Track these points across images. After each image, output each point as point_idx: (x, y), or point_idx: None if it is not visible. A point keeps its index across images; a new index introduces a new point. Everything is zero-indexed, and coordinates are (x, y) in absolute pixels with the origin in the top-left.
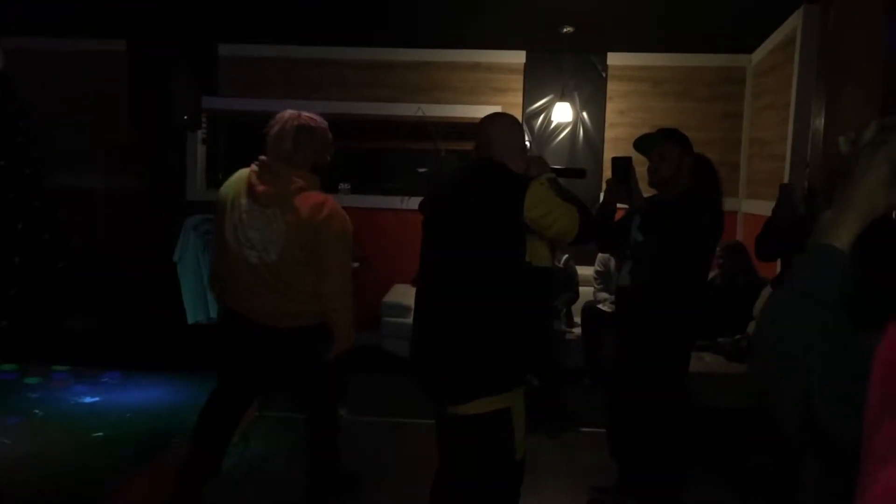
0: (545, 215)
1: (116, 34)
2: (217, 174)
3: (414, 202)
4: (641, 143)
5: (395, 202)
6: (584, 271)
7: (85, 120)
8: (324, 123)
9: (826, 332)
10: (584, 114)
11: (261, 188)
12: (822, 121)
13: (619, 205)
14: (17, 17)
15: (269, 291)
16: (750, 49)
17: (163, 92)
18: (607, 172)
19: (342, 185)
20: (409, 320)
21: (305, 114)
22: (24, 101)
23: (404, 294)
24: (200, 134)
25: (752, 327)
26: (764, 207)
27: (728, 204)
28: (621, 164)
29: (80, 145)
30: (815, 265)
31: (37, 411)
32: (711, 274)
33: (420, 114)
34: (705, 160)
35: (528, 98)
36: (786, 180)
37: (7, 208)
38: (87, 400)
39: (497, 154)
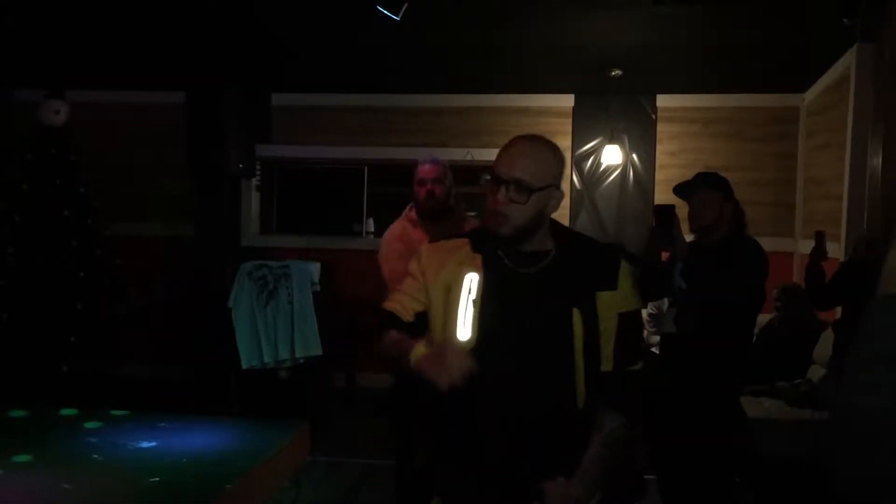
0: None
1: (175, 86)
2: (270, 221)
3: None
4: (681, 189)
5: None
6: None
7: (143, 169)
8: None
9: None
10: (634, 156)
11: None
12: (880, 160)
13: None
14: (81, 72)
15: None
16: (802, 88)
17: (218, 141)
18: None
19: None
20: None
21: None
22: (86, 152)
23: None
24: (254, 181)
25: (812, 372)
26: None
27: (784, 245)
28: (664, 212)
29: (138, 194)
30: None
31: (96, 456)
32: (769, 317)
33: (469, 158)
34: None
35: (578, 141)
36: (843, 220)
37: (69, 256)
38: (145, 445)
39: None
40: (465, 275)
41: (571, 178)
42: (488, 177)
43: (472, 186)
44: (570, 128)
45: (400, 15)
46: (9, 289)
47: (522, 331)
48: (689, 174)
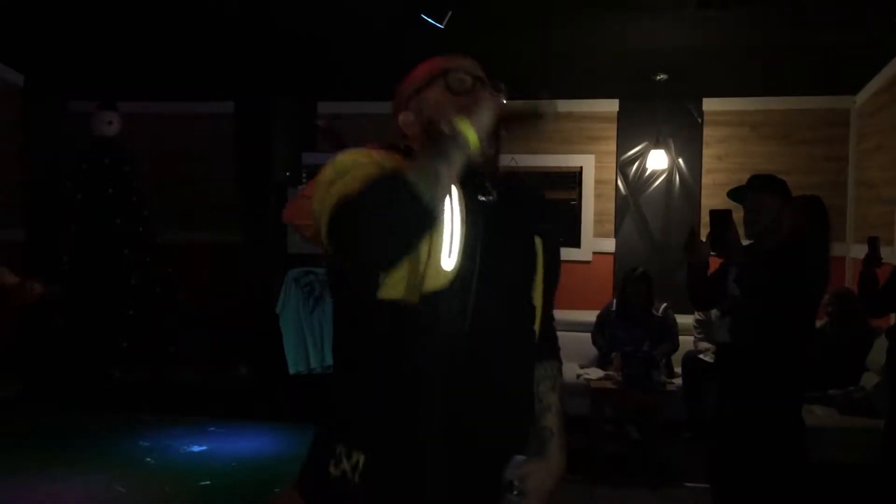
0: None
1: (224, 97)
2: None
3: None
4: (736, 193)
5: None
6: (684, 320)
7: (193, 178)
8: None
9: None
10: (680, 160)
11: None
12: None
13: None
14: (133, 84)
15: None
16: (853, 90)
17: (266, 150)
18: (706, 218)
19: None
20: None
21: None
22: (138, 162)
23: None
24: (300, 189)
25: (865, 379)
26: None
27: (835, 249)
28: (720, 217)
29: (188, 203)
30: None
31: (148, 459)
32: (820, 323)
33: (513, 163)
34: (813, 201)
35: (622, 146)
36: None
37: (121, 264)
38: (196, 449)
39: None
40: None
41: (616, 183)
42: (453, 77)
43: None
44: (614, 133)
45: (444, 23)
46: (64, 296)
47: (499, 264)
48: (736, 178)
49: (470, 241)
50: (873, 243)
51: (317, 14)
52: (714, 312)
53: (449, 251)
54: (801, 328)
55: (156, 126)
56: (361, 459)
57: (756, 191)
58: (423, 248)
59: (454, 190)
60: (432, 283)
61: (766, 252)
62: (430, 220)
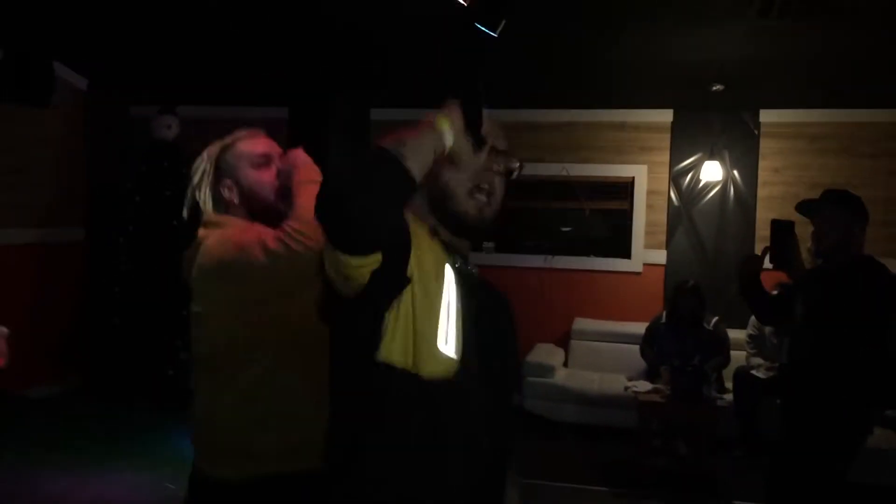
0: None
1: (279, 102)
2: None
3: (558, 261)
4: (806, 207)
5: (538, 261)
6: (736, 335)
7: None
8: None
9: None
10: (735, 172)
11: None
12: None
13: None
14: (191, 89)
15: None
16: None
17: (319, 155)
18: (761, 231)
19: (486, 245)
20: (552, 380)
21: None
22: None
23: (547, 353)
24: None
25: None
26: None
27: None
28: (782, 229)
29: None
30: None
31: None
32: None
33: (565, 173)
34: None
35: (676, 156)
36: None
37: (177, 264)
38: None
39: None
40: (443, 266)
41: (669, 195)
42: (450, 143)
43: (568, 201)
44: (668, 143)
45: (498, 32)
46: (121, 295)
47: (486, 349)
48: (793, 191)
49: (468, 326)
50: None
51: (373, 19)
52: (768, 329)
53: (446, 336)
54: (869, 348)
55: (213, 130)
56: None
57: (829, 206)
58: (423, 316)
59: (449, 269)
60: (432, 368)
61: (835, 269)
62: (410, 187)
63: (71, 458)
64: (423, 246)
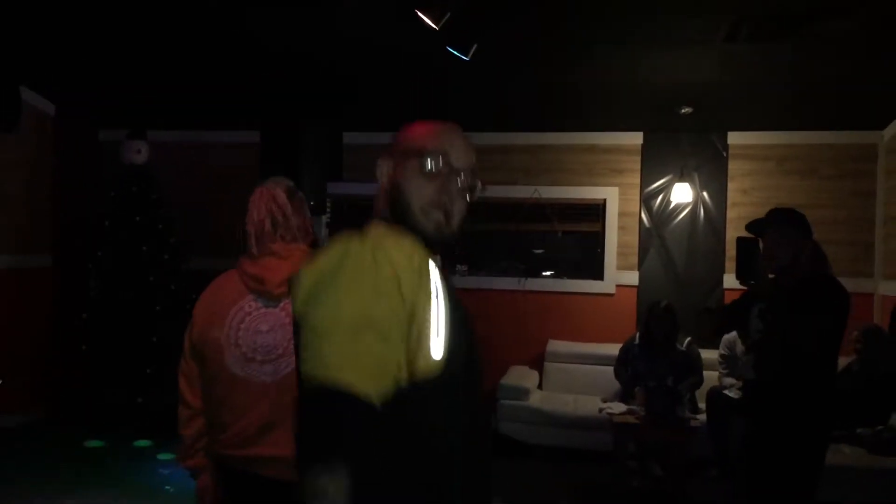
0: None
1: (250, 126)
2: None
3: (531, 283)
4: (755, 226)
5: (512, 283)
6: (709, 355)
7: (219, 206)
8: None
9: None
10: (705, 193)
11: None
12: None
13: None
14: (161, 113)
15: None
16: (881, 125)
17: (292, 179)
18: (731, 251)
19: (459, 267)
20: (527, 402)
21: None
22: (166, 189)
23: (521, 376)
24: (325, 218)
25: (895, 418)
26: None
27: (863, 285)
28: (747, 246)
29: (214, 231)
30: None
31: (168, 487)
32: (849, 360)
33: (537, 196)
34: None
35: (647, 178)
36: None
37: (147, 290)
38: None
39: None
40: (431, 279)
41: (640, 216)
42: (428, 162)
43: (540, 223)
44: (638, 165)
45: (470, 55)
46: (90, 322)
47: (469, 349)
48: (761, 212)
49: (455, 325)
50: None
51: (343, 45)
52: (739, 348)
53: (437, 334)
54: (823, 365)
55: (184, 155)
56: None
57: (777, 224)
58: (414, 334)
59: (437, 278)
60: (423, 371)
61: (786, 287)
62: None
63: (39, 490)
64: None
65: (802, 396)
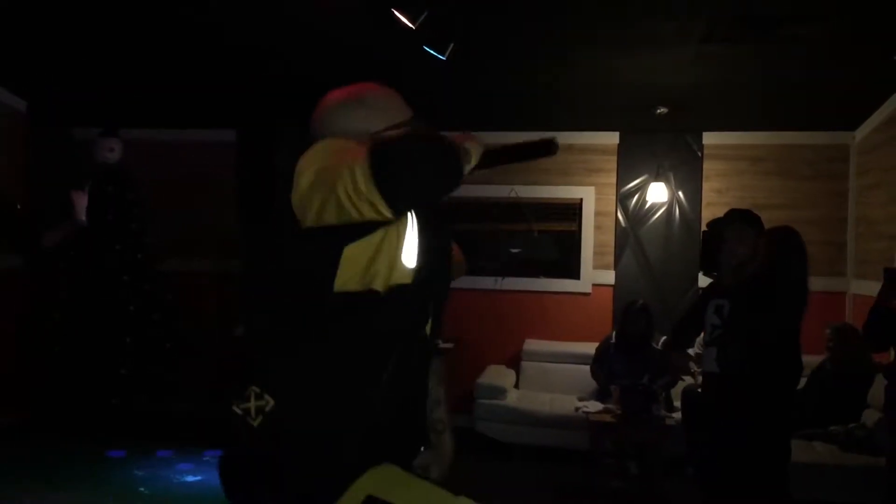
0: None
1: (226, 125)
2: None
3: (507, 282)
4: (716, 225)
5: (489, 283)
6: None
7: (195, 206)
8: None
9: None
10: (680, 193)
11: None
12: None
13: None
14: (135, 111)
15: None
16: (853, 126)
17: (267, 178)
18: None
19: None
20: (504, 401)
21: None
22: (139, 189)
23: (498, 375)
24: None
25: (867, 416)
26: (874, 288)
27: (835, 284)
28: (707, 241)
29: (190, 230)
30: None
31: (142, 489)
32: (821, 358)
33: (513, 195)
34: (785, 232)
35: (623, 178)
36: None
37: (120, 290)
38: (190, 479)
39: None
40: None
41: (616, 216)
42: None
43: (517, 222)
44: (614, 165)
45: (446, 55)
46: (62, 323)
47: (441, 267)
48: None
49: (426, 241)
50: (890, 276)
51: (319, 45)
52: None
53: (408, 247)
54: (784, 356)
55: (158, 153)
56: (271, 403)
57: (735, 223)
58: (390, 241)
59: None
60: (393, 280)
61: (744, 282)
62: (457, 180)
63: (11, 494)
64: None
65: (765, 387)
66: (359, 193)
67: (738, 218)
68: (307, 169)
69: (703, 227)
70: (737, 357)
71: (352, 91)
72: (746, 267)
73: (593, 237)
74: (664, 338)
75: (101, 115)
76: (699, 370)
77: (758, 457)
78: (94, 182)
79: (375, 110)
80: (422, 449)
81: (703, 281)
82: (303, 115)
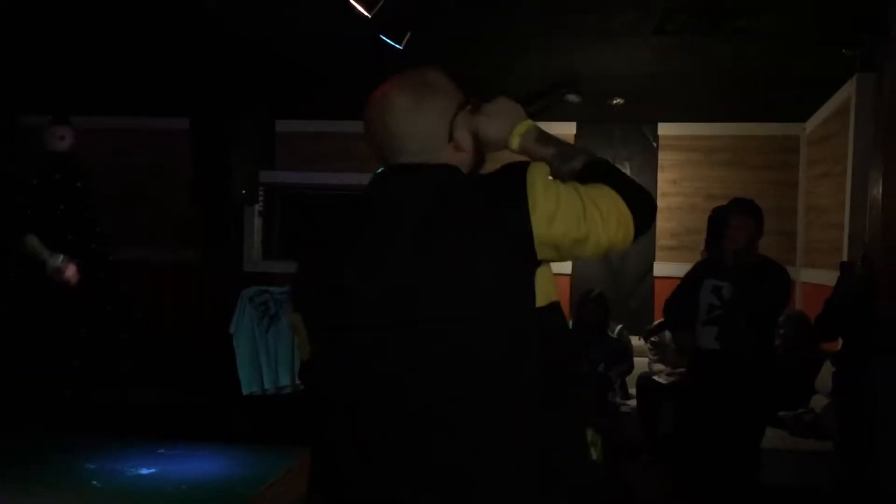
0: (575, 226)
1: (179, 113)
2: (272, 246)
3: None
4: (719, 211)
5: None
6: (639, 342)
7: (149, 195)
8: None
9: None
10: None
11: None
12: (880, 189)
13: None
14: (86, 98)
15: None
16: (803, 117)
17: (223, 167)
18: (661, 241)
19: None
20: None
21: None
22: (91, 177)
23: None
24: (257, 207)
25: (815, 401)
26: (822, 277)
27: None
28: (718, 219)
29: (143, 220)
30: None
31: (95, 482)
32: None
33: None
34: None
35: None
36: (845, 249)
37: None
38: (144, 472)
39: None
40: None
41: None
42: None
43: None
44: None
45: (403, 44)
46: (11, 314)
47: None
48: (690, 202)
49: None
50: (846, 269)
51: (276, 31)
52: (666, 334)
53: None
54: (770, 340)
55: (110, 141)
56: (599, 441)
57: (739, 212)
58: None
59: None
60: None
61: (748, 266)
62: None
63: None
64: None
65: (762, 364)
66: (627, 243)
67: (744, 207)
68: (579, 223)
69: (666, 223)
70: (743, 338)
71: (415, 79)
72: (744, 254)
73: None
74: (619, 326)
75: (50, 101)
76: (656, 359)
77: (744, 434)
78: (43, 171)
79: (448, 92)
80: None
81: (658, 270)
82: (257, 103)
